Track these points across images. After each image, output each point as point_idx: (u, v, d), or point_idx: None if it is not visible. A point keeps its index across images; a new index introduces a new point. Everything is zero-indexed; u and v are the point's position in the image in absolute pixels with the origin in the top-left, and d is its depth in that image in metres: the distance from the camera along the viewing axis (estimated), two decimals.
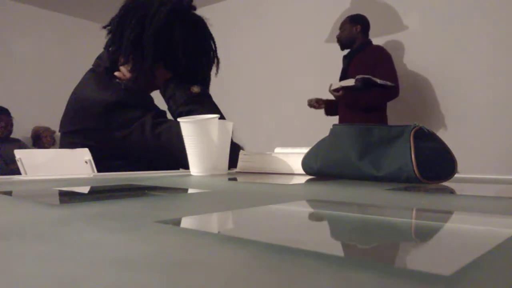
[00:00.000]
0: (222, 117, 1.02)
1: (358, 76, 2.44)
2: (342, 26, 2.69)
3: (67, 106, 1.14)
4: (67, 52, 4.54)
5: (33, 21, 4.35)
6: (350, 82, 2.47)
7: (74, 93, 1.15)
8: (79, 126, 1.08)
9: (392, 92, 2.51)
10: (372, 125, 0.69)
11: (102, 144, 1.07)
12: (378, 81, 2.42)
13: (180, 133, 0.94)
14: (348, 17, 2.70)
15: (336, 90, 2.53)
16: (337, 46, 2.78)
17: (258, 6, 3.92)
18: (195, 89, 1.13)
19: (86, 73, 1.19)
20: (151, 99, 1.17)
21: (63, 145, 1.14)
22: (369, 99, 2.50)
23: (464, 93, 2.74)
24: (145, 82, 1.17)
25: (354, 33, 2.65)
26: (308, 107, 2.86)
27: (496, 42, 2.63)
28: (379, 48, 2.64)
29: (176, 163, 1.08)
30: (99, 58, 1.20)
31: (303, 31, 3.55)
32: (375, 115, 2.56)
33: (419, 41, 2.93)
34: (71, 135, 1.11)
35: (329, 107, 2.79)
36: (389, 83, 2.44)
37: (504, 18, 2.61)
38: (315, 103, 2.79)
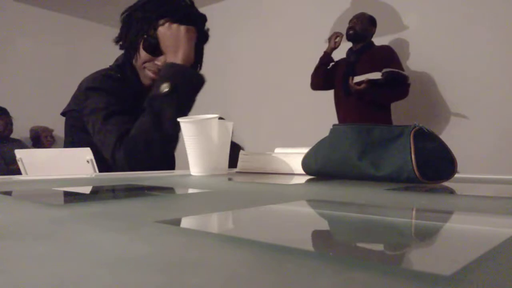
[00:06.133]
0: (167, 132, 1.03)
1: (385, 70, 2.37)
2: (359, 19, 2.65)
3: None
4: (66, 52, 4.55)
5: (33, 21, 4.35)
6: (376, 75, 2.39)
7: None
8: (70, 107, 1.17)
9: (406, 89, 2.50)
10: (372, 125, 0.69)
11: (84, 126, 1.12)
12: (405, 73, 2.39)
13: (115, 135, 1.02)
14: (368, 15, 2.67)
15: (358, 83, 2.44)
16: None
17: (258, 6, 3.92)
18: (163, 87, 1.06)
19: None
20: (130, 94, 1.17)
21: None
22: (389, 95, 2.49)
23: (465, 93, 2.74)
24: (135, 65, 1.19)
25: (369, 33, 2.65)
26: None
27: (497, 41, 2.63)
28: (389, 47, 2.64)
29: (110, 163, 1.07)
30: (116, 60, 1.25)
31: (303, 31, 3.55)
32: (381, 115, 2.55)
33: (419, 41, 2.93)
34: (65, 116, 1.19)
35: (324, 74, 2.75)
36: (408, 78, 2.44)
37: (505, 18, 2.61)
38: (335, 39, 2.71)
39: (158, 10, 1.13)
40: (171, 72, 1.09)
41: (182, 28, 1.12)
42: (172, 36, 1.11)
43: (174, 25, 1.11)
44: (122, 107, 1.10)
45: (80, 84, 1.17)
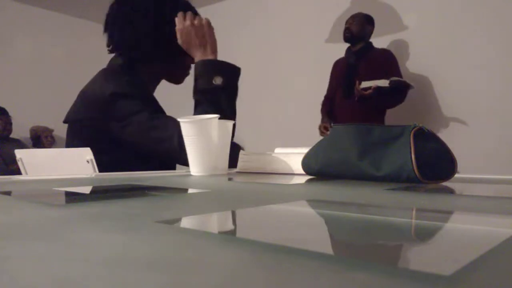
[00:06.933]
0: (228, 118, 0.97)
1: (393, 78, 2.43)
2: (354, 20, 2.65)
3: (75, 99, 1.17)
4: (66, 52, 4.55)
5: (33, 21, 4.35)
6: (384, 82, 2.43)
7: (83, 88, 1.17)
8: (82, 115, 1.11)
9: (405, 95, 2.56)
10: (372, 125, 0.69)
11: (101, 134, 1.09)
12: (411, 84, 2.45)
13: (174, 129, 0.99)
14: (364, 14, 2.67)
15: (364, 89, 2.48)
16: (336, 47, 2.77)
17: (258, 6, 3.92)
18: (217, 80, 1.05)
19: (98, 71, 1.20)
20: (152, 95, 1.18)
21: (67, 136, 1.17)
22: (391, 102, 2.55)
23: (465, 93, 2.74)
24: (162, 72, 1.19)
25: (367, 33, 2.65)
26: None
27: (497, 42, 2.63)
28: (389, 51, 2.66)
29: (168, 158, 1.08)
30: (112, 59, 1.22)
31: (303, 31, 3.55)
32: (376, 116, 2.57)
33: (418, 42, 2.93)
34: (74, 124, 1.13)
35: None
36: (412, 86, 2.49)
37: (504, 18, 2.60)
38: (323, 130, 2.74)
39: (175, 10, 1.11)
40: (216, 67, 1.08)
41: (205, 21, 1.10)
42: (196, 32, 1.08)
43: (197, 20, 1.09)
44: (157, 108, 1.11)
45: (96, 90, 1.10)
